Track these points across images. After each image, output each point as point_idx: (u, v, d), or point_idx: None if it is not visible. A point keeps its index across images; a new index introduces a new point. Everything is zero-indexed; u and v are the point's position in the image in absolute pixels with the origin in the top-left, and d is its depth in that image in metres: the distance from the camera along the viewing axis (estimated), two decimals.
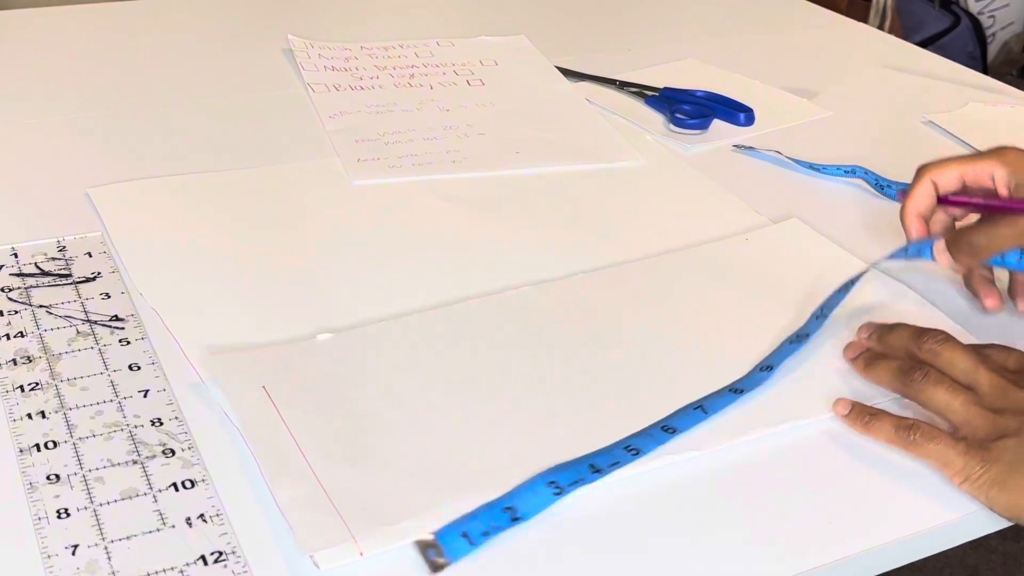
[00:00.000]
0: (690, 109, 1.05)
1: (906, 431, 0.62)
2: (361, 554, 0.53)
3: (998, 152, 0.73)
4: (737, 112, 1.05)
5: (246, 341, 0.69)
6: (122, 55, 1.15)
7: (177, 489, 0.57)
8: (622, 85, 1.11)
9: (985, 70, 2.52)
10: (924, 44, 2.45)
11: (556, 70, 1.15)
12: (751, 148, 1.00)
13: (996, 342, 0.69)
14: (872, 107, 1.12)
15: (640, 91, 1.10)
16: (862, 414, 0.64)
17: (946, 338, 0.67)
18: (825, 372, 0.69)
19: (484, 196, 0.90)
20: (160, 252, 0.78)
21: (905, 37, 1.95)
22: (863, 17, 2.12)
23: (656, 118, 1.05)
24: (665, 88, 1.09)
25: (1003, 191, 0.72)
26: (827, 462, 0.62)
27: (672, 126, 1.03)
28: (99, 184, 0.86)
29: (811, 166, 0.96)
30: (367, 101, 1.05)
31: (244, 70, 1.12)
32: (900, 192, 0.76)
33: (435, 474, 0.58)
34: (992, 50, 2.61)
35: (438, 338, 0.69)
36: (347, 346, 0.68)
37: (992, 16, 2.58)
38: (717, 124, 1.04)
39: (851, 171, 0.95)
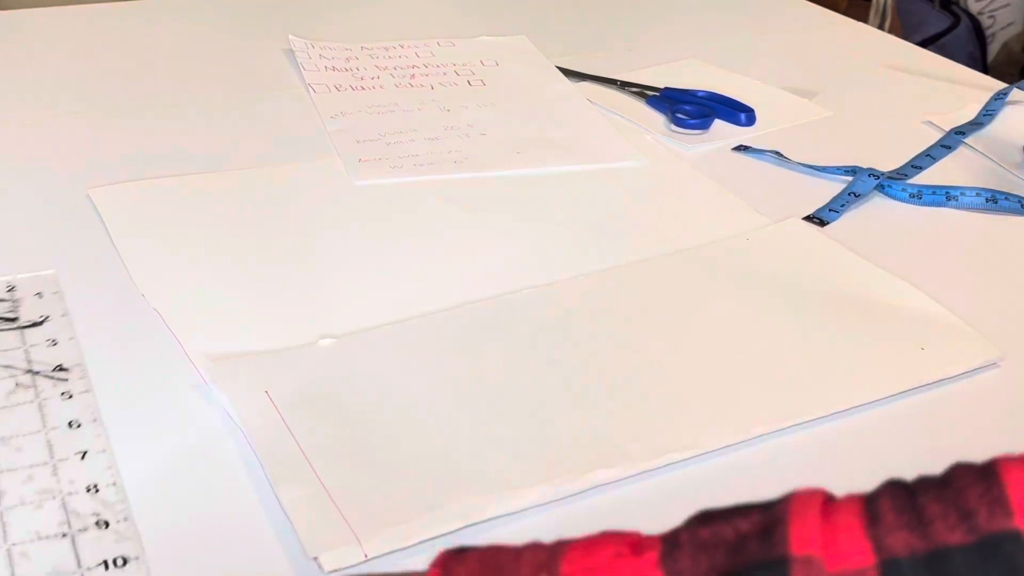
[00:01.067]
0: (691, 109, 1.05)
1: None
2: (366, 556, 0.53)
3: None
4: (738, 112, 1.05)
5: (248, 342, 0.69)
6: (122, 55, 1.15)
7: (107, 567, 0.52)
8: (623, 85, 1.11)
9: (985, 70, 2.52)
10: (924, 44, 2.44)
11: (557, 70, 1.15)
12: (752, 148, 1.00)
13: None
14: (872, 107, 1.12)
15: (641, 91, 1.10)
16: None
17: None
18: (825, 371, 0.69)
19: (485, 196, 0.90)
20: (161, 253, 0.78)
21: (905, 37, 1.94)
22: (863, 17, 2.12)
23: (657, 118, 1.06)
24: (666, 88, 1.09)
25: None
26: (827, 462, 0.62)
27: (673, 126, 1.03)
28: (100, 184, 0.86)
29: (811, 166, 0.96)
30: (368, 101, 1.05)
31: (245, 70, 1.12)
32: None
33: (439, 476, 0.58)
34: (992, 50, 2.61)
35: (440, 342, 0.69)
36: (349, 351, 0.68)
37: (992, 16, 2.58)
38: (718, 124, 1.04)
39: (851, 171, 0.95)
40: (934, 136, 1.04)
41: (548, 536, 0.56)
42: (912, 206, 0.91)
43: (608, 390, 0.66)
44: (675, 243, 0.83)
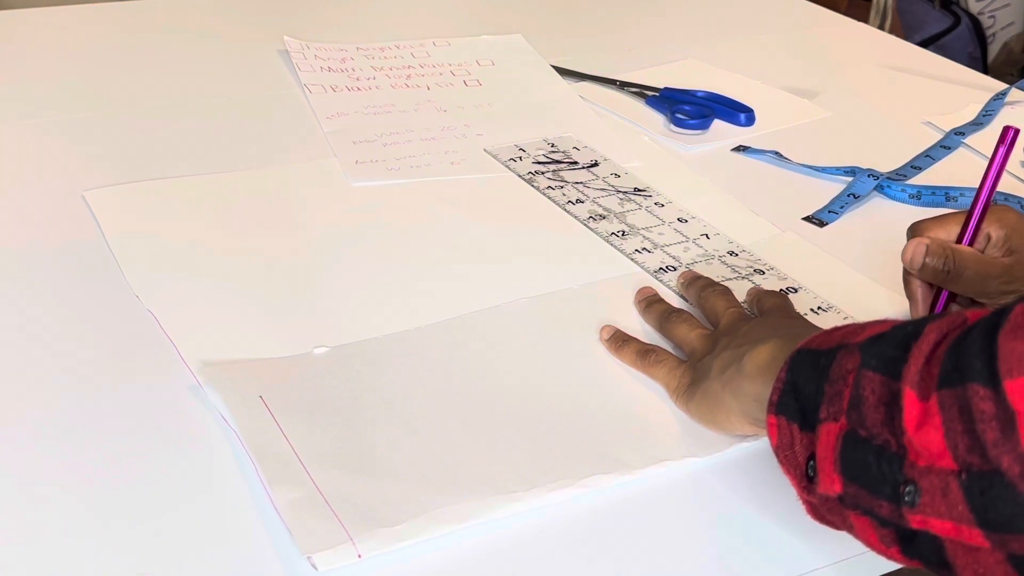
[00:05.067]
0: (690, 109, 1.04)
1: (644, 355, 0.68)
2: (359, 556, 0.53)
3: (996, 211, 0.71)
4: (738, 112, 1.04)
5: (243, 344, 0.68)
6: (120, 56, 1.15)
7: None
8: (622, 85, 1.11)
9: (985, 70, 2.52)
10: (924, 44, 2.44)
11: (553, 70, 1.14)
12: (751, 148, 1.00)
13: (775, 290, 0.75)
14: (872, 107, 1.12)
15: (640, 91, 1.10)
16: (616, 340, 0.69)
17: (720, 289, 0.73)
18: None
19: (484, 198, 0.89)
20: (157, 255, 0.78)
21: (905, 37, 1.94)
22: (863, 17, 2.11)
23: (656, 118, 1.05)
24: (665, 88, 1.09)
25: (996, 253, 0.70)
26: None
27: (672, 126, 1.03)
28: (95, 187, 0.86)
29: (810, 167, 0.96)
30: (364, 102, 1.05)
31: (241, 71, 1.12)
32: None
33: (432, 478, 0.58)
34: (992, 50, 2.60)
35: (434, 350, 0.69)
36: (344, 359, 0.67)
37: (992, 16, 2.57)
38: (717, 124, 1.03)
39: (850, 171, 0.94)
40: (934, 136, 1.04)
41: (538, 540, 0.56)
42: (911, 207, 0.91)
43: (602, 399, 0.66)
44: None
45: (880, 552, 0.49)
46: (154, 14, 1.27)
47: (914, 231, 0.71)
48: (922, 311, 0.71)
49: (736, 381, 0.59)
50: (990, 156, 0.70)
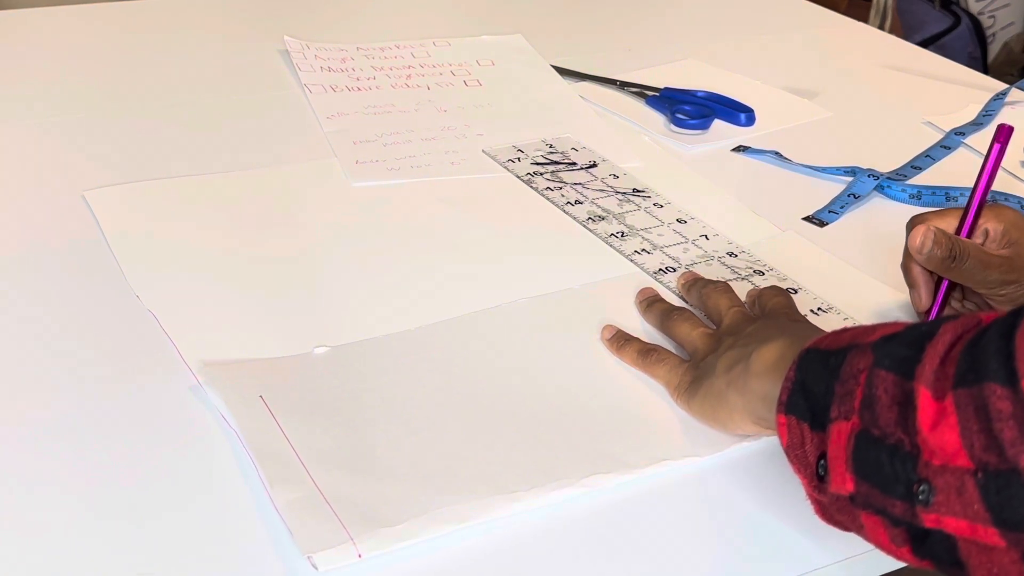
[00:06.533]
0: (691, 109, 1.04)
1: (645, 354, 0.68)
2: (359, 556, 0.53)
3: (994, 208, 0.72)
4: (738, 112, 1.04)
5: (243, 344, 0.68)
6: (120, 56, 1.15)
7: None
8: (623, 85, 1.11)
9: (985, 70, 2.51)
10: (924, 44, 2.44)
11: (553, 70, 1.14)
12: (751, 149, 1.00)
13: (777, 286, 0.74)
14: (872, 107, 1.12)
15: (641, 91, 1.10)
16: (618, 339, 0.69)
17: (721, 287, 0.72)
18: None
19: (484, 198, 0.89)
20: (157, 255, 0.78)
21: (905, 37, 1.94)
22: (863, 17, 2.11)
23: (657, 118, 1.05)
24: (666, 88, 1.09)
25: (996, 247, 0.70)
26: None
27: (673, 126, 1.03)
28: (95, 187, 0.86)
29: (811, 167, 0.96)
30: (365, 102, 1.05)
31: (241, 71, 1.12)
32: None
33: (432, 478, 0.58)
34: (992, 50, 2.60)
35: (434, 350, 0.69)
36: (344, 359, 0.67)
37: (992, 16, 2.57)
38: (718, 124, 1.03)
39: (851, 171, 0.94)
40: (934, 136, 1.04)
41: (539, 540, 0.56)
42: (912, 207, 0.91)
43: (601, 399, 0.66)
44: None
45: (890, 552, 0.49)
46: (154, 14, 1.27)
47: (914, 223, 0.71)
48: (924, 297, 0.71)
49: (742, 379, 0.59)
50: (985, 153, 0.70)
